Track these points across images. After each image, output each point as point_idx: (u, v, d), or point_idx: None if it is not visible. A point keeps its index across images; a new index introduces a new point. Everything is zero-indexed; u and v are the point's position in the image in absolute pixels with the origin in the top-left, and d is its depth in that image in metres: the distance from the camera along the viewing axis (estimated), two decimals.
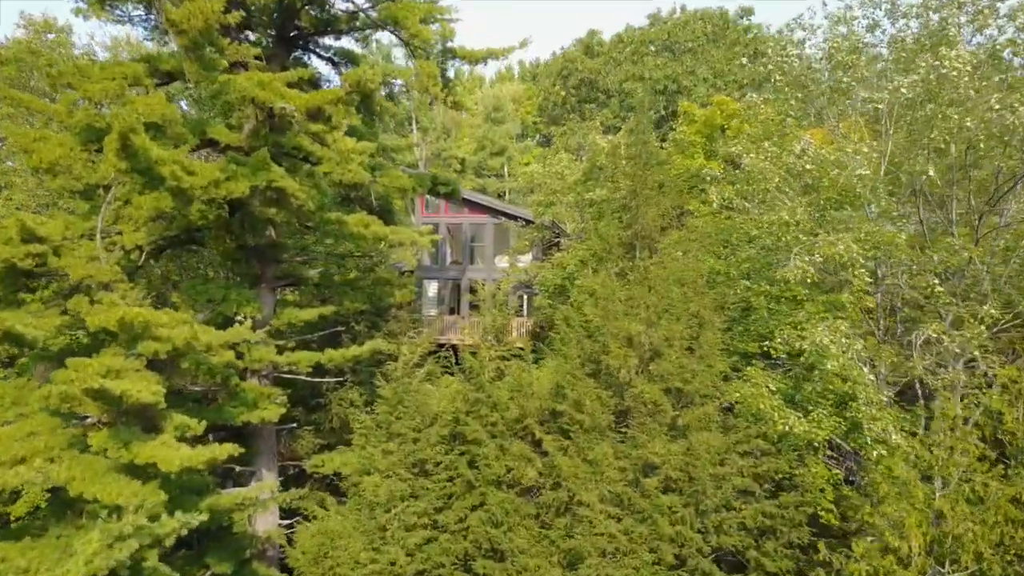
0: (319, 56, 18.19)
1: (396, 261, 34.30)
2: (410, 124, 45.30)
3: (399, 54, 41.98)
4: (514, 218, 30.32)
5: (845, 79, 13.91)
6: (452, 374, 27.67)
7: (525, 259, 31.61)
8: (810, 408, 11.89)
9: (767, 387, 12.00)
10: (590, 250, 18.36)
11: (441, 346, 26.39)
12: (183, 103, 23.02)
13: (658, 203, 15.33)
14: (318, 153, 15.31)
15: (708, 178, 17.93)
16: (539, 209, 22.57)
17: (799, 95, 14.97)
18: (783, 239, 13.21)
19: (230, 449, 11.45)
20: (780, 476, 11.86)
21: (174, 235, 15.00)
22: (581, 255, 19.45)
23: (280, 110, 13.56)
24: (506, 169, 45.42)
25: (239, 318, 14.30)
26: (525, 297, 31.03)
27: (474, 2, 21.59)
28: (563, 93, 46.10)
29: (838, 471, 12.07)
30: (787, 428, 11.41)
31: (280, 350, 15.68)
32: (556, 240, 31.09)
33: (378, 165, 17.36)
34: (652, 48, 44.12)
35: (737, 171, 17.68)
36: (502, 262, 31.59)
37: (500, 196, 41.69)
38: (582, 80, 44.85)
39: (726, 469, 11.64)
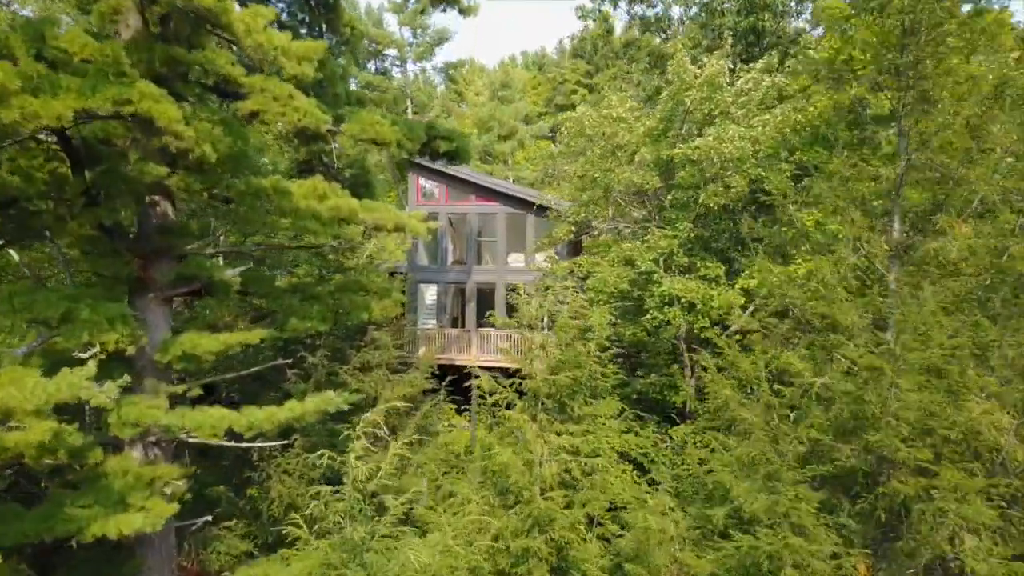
0: None
1: (382, 260, 28.16)
2: (404, 103, 39.04)
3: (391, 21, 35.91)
4: (533, 206, 24.13)
5: None
6: (461, 410, 21.68)
7: (544, 256, 25.47)
8: None
9: None
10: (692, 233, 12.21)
11: (442, 370, 20.24)
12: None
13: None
14: (237, 78, 9.17)
15: None
16: (595, 172, 15.40)
17: None
18: None
19: None
20: None
21: None
22: (667, 244, 13.16)
23: None
24: (510, 157, 39.15)
25: (94, 349, 8.18)
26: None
27: None
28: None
29: None
30: None
31: (175, 401, 9.52)
32: (585, 232, 24.91)
33: (344, 112, 11.18)
34: None
35: None
36: (517, 261, 25.39)
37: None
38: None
39: None
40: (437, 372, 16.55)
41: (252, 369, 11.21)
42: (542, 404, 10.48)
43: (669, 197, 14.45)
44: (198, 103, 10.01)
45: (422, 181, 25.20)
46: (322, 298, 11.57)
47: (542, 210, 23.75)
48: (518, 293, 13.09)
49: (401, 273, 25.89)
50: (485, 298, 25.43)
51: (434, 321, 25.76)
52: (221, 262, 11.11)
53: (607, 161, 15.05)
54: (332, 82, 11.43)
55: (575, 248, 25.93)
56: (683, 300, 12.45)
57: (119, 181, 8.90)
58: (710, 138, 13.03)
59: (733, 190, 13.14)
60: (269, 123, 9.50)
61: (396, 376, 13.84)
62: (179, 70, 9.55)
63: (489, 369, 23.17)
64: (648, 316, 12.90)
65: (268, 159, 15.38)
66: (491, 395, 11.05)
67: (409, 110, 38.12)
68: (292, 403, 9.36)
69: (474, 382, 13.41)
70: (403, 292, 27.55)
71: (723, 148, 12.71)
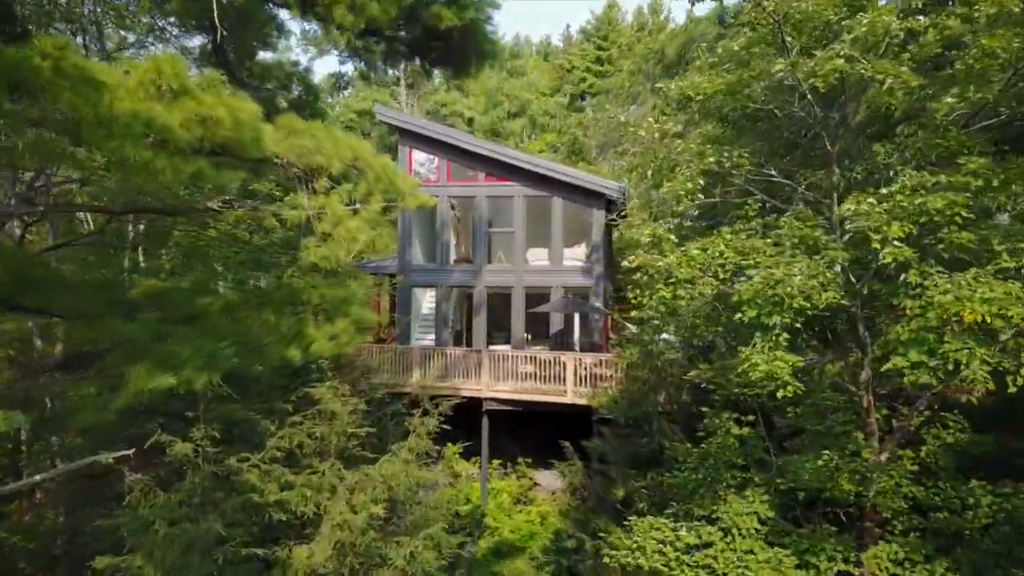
0: None
1: (369, 259, 22.25)
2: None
3: None
4: (562, 184, 18.34)
5: None
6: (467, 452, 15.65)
7: (575, 253, 19.69)
8: None
9: None
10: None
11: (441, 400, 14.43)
12: None
13: None
14: None
15: None
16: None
17: None
18: None
19: None
20: None
21: None
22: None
23: None
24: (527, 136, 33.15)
25: None
26: (577, 317, 19.03)
27: None
28: None
29: None
30: None
31: None
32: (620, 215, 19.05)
33: None
34: None
35: None
36: (539, 258, 19.60)
37: None
38: None
39: None
40: (435, 404, 10.85)
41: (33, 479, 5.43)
42: None
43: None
44: None
45: (416, 155, 19.42)
46: (206, 321, 5.76)
47: (594, 198, 17.89)
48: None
49: (389, 274, 20.09)
50: (498, 307, 19.63)
51: (432, 336, 20.02)
52: None
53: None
54: None
55: (607, 244, 20.19)
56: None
57: None
58: None
59: None
60: None
61: (365, 452, 8.04)
62: None
63: (505, 402, 17.52)
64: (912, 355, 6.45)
65: None
66: None
67: (403, 81, 32.36)
68: None
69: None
70: (392, 298, 21.94)
71: None
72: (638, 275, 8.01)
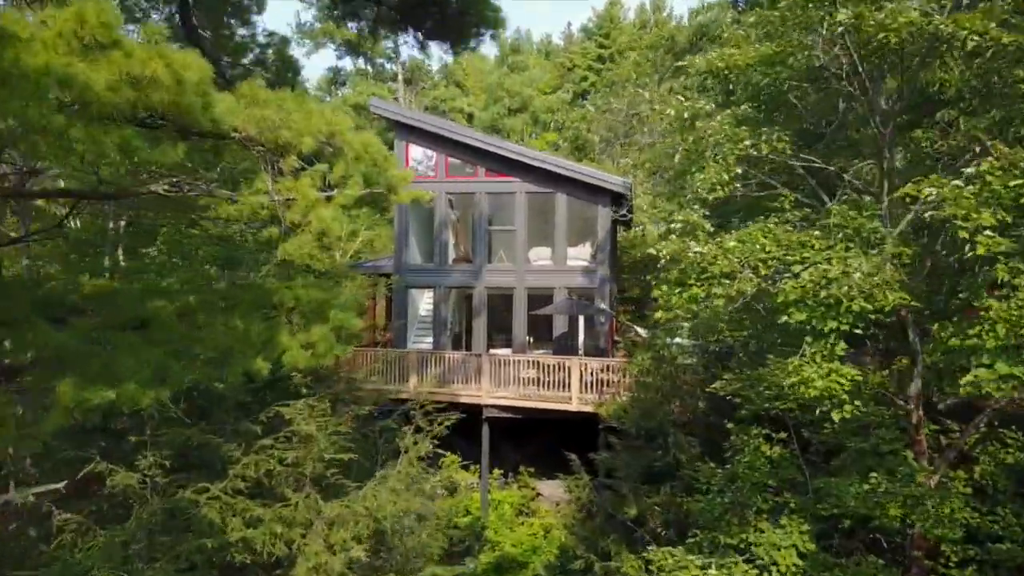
0: None
1: (363, 258, 21.43)
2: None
3: None
4: (566, 180, 17.46)
5: None
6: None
7: (579, 252, 18.80)
8: None
9: None
10: None
11: (442, 409, 13.46)
12: None
13: None
14: None
15: None
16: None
17: None
18: None
19: None
20: None
21: None
22: None
23: None
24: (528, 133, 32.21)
25: None
26: (581, 319, 18.14)
27: None
28: None
29: None
30: None
31: None
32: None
33: None
34: None
35: None
36: (542, 257, 18.72)
37: None
38: None
39: None
40: (433, 412, 9.94)
41: None
42: None
43: None
44: None
45: (413, 150, 18.54)
46: (158, 327, 4.87)
47: (599, 194, 17.02)
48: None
49: (385, 274, 19.20)
50: (499, 308, 18.73)
51: (430, 339, 19.12)
52: None
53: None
54: None
55: (612, 243, 19.31)
56: None
57: None
58: None
59: None
60: None
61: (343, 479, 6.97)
62: None
63: (506, 409, 16.61)
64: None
65: None
66: None
67: (400, 76, 31.41)
68: None
69: None
70: (388, 300, 21.02)
71: None
72: (664, 271, 6.99)
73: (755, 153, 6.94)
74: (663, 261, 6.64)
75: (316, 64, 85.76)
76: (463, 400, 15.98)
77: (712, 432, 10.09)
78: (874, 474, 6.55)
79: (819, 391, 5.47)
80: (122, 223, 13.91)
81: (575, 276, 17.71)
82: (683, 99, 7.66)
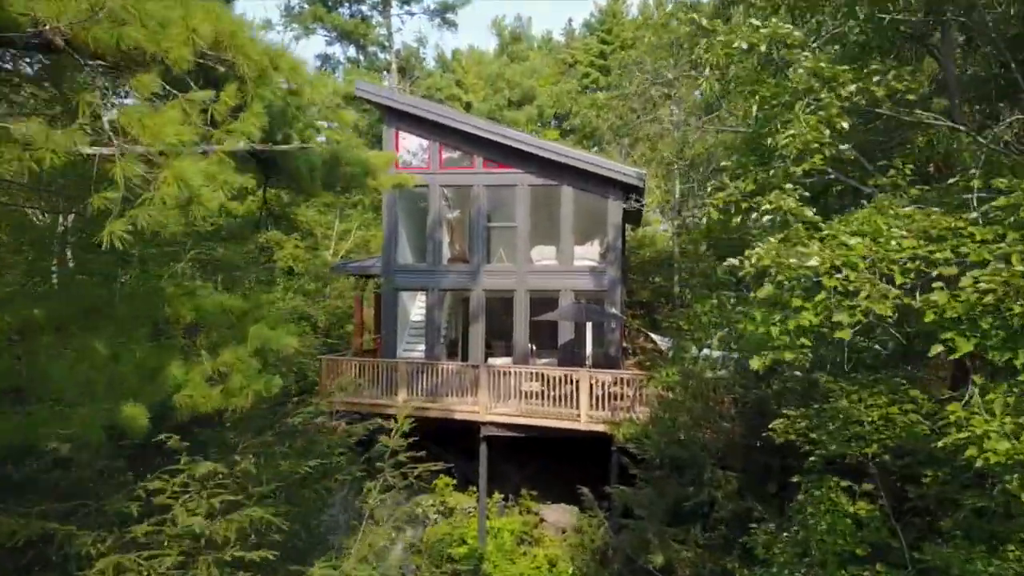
0: None
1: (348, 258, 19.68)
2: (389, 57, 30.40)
3: None
4: (573, 171, 15.70)
5: None
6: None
7: (586, 251, 17.03)
8: None
9: None
10: None
11: (434, 425, 11.64)
12: None
13: None
14: None
15: None
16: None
17: None
18: None
19: None
20: None
21: None
22: None
23: None
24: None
25: None
26: (589, 325, 16.34)
27: None
28: None
29: None
30: None
31: None
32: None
33: None
34: None
35: None
36: (546, 256, 16.95)
37: None
38: None
39: None
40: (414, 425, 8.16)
41: None
42: None
43: None
44: None
45: (404, 139, 16.80)
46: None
47: (610, 186, 15.22)
48: None
49: (372, 276, 17.44)
50: (498, 313, 16.99)
51: (422, 346, 17.39)
52: None
53: None
54: None
55: (622, 240, 17.54)
56: None
57: None
58: None
59: None
60: None
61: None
62: None
63: (506, 426, 14.85)
64: None
65: None
66: None
67: (394, 65, 29.66)
68: None
69: None
70: (377, 304, 19.27)
71: None
72: (749, 282, 5.13)
73: (863, 102, 5.16)
74: (749, 272, 4.71)
75: (305, 54, 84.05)
76: (459, 416, 14.27)
77: (755, 467, 8.32)
78: (1011, 546, 4.79)
79: (1005, 456, 3.70)
80: None
81: (582, 277, 15.96)
82: (755, 23, 5.77)
